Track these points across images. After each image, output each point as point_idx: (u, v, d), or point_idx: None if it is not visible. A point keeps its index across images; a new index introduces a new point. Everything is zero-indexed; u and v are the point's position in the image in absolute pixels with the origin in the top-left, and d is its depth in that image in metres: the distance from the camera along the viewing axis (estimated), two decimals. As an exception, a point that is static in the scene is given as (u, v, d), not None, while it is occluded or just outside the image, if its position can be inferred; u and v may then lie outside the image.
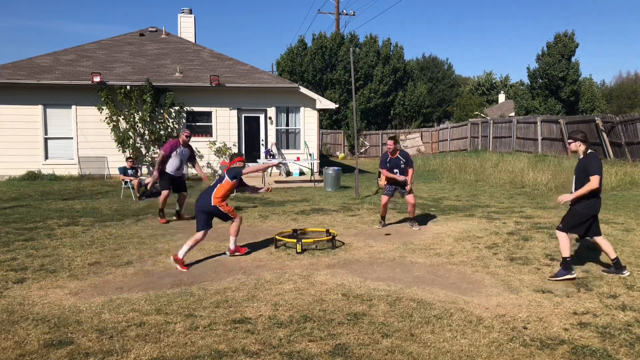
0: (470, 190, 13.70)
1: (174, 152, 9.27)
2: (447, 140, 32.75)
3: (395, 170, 8.59)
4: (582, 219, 5.71)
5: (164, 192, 9.36)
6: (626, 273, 5.73)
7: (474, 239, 7.74)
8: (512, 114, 40.90)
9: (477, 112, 43.70)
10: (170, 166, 9.31)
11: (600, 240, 5.83)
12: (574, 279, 5.60)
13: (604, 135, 17.93)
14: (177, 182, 9.51)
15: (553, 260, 6.40)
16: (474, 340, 4.11)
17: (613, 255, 5.78)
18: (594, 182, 5.51)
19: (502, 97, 57.15)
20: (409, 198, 8.62)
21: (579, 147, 5.73)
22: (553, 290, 5.32)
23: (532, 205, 10.77)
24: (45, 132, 16.79)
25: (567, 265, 5.66)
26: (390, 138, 8.69)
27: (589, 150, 5.74)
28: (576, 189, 5.71)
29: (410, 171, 8.61)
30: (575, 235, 6.24)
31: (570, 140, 5.82)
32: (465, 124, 30.99)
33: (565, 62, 36.00)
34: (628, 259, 6.38)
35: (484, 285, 5.53)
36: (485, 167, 17.38)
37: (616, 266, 5.77)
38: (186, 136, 9.36)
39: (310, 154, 18.38)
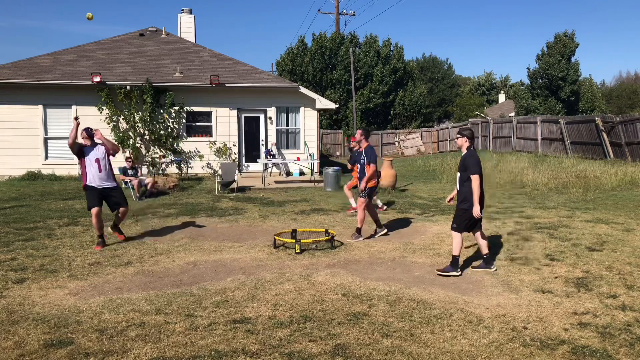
0: (470, 190, 13.69)
1: (87, 156, 7.46)
2: (447, 140, 32.73)
3: (357, 166, 8.10)
4: (470, 216, 5.91)
5: (92, 212, 7.34)
6: (493, 268, 6.05)
7: (474, 239, 7.74)
8: (512, 114, 40.91)
9: (477, 112, 43.71)
10: (92, 175, 7.44)
11: (478, 236, 6.14)
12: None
13: (604, 135, 17.93)
14: (108, 196, 7.57)
15: (553, 260, 6.40)
16: (474, 340, 4.11)
17: (485, 251, 6.09)
18: (475, 182, 5.81)
19: (502, 97, 57.19)
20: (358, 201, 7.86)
21: (464, 143, 6.01)
22: (553, 290, 5.32)
23: (532, 205, 10.77)
24: (45, 132, 16.78)
25: (455, 263, 5.95)
26: (359, 128, 8.32)
27: (471, 148, 6.01)
28: (460, 185, 5.98)
29: (369, 168, 7.67)
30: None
31: (458, 136, 6.10)
32: (465, 124, 30.98)
33: (565, 62, 36.01)
34: (628, 259, 6.38)
35: (484, 285, 5.53)
36: (485, 167, 17.37)
37: (486, 261, 6.10)
38: (83, 130, 7.53)
39: (310, 154, 18.37)
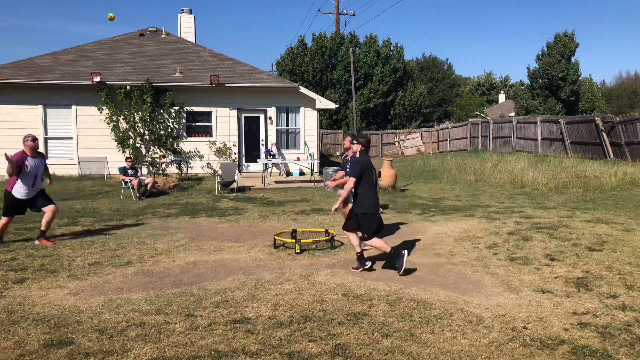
0: (470, 190, 13.70)
1: (25, 168, 7.27)
2: (447, 140, 32.73)
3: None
4: (372, 218, 5.94)
5: (5, 220, 7.37)
6: (368, 264, 6.06)
7: (474, 239, 7.74)
8: (512, 114, 40.91)
9: (477, 112, 43.70)
10: (21, 187, 7.28)
11: (354, 236, 6.15)
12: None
13: (604, 135, 17.92)
14: (32, 200, 7.46)
15: (553, 260, 6.40)
16: (474, 340, 4.11)
17: (358, 250, 6.08)
18: (349, 183, 5.91)
19: (502, 97, 57.20)
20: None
21: (359, 149, 6.09)
22: (553, 290, 5.32)
23: (532, 205, 10.77)
24: (45, 132, 16.77)
25: (397, 257, 5.93)
26: (349, 135, 8.35)
27: (363, 155, 6.08)
28: (354, 190, 6.02)
29: (349, 179, 7.47)
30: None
31: (355, 142, 6.14)
32: (465, 124, 30.98)
33: (565, 62, 36.00)
34: (628, 259, 6.38)
35: (484, 285, 5.53)
36: (485, 167, 17.38)
37: (359, 260, 6.06)
38: (32, 140, 7.33)
39: (310, 154, 18.37)
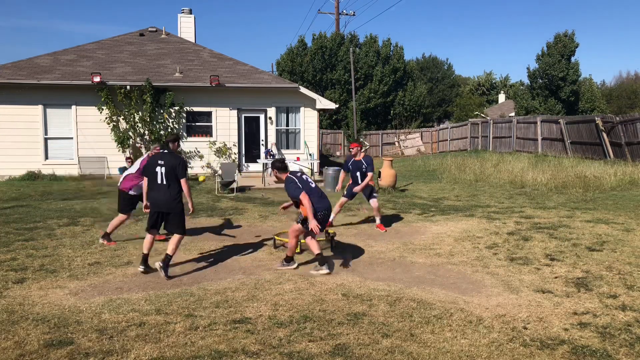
0: (470, 190, 13.69)
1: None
2: (447, 140, 32.73)
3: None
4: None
5: (122, 217, 7.82)
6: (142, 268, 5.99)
7: (474, 239, 7.74)
8: (512, 114, 40.90)
9: (477, 112, 43.67)
10: (139, 187, 7.66)
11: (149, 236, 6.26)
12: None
13: (604, 135, 17.92)
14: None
15: (553, 260, 6.40)
16: (474, 340, 4.11)
17: (147, 253, 6.07)
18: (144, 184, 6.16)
19: (502, 97, 57.18)
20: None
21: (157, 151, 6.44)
22: (553, 290, 5.32)
23: (532, 205, 10.77)
24: (45, 132, 16.78)
25: (145, 263, 6.03)
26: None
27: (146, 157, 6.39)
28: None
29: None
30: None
31: (158, 148, 6.40)
32: (465, 124, 30.97)
33: (565, 62, 35.99)
34: (628, 259, 6.38)
35: (484, 285, 5.53)
36: (485, 167, 17.37)
37: (145, 268, 6.02)
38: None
39: (310, 154, 18.37)
